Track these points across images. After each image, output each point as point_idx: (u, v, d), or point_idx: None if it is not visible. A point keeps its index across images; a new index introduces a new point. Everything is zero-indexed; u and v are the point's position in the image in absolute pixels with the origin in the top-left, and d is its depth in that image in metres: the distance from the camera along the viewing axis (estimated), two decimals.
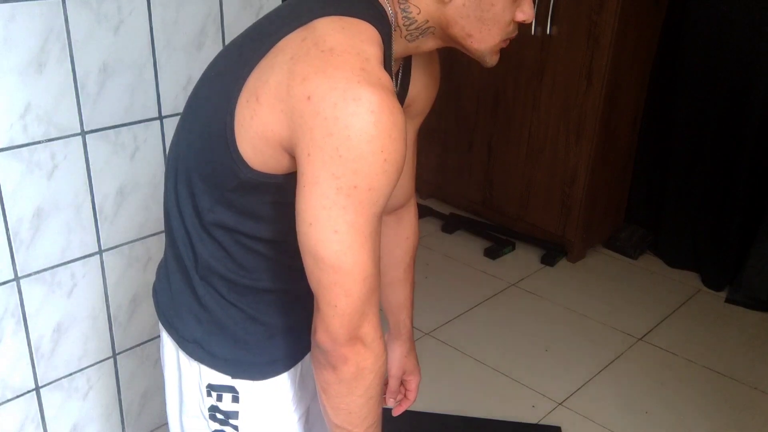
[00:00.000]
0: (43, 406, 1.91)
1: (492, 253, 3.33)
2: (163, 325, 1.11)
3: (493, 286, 3.11)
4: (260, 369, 1.07)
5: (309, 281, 0.88)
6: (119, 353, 2.03)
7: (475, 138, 3.52)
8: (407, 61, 1.09)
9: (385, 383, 1.34)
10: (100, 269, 1.91)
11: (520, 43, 3.19)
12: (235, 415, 1.06)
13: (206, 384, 1.06)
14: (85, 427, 2.03)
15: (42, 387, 1.89)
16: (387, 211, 0.96)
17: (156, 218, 1.99)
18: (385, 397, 1.34)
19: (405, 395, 1.38)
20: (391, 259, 1.28)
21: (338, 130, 0.78)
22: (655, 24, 3.13)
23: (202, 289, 1.03)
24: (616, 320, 2.87)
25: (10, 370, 1.81)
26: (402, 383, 1.38)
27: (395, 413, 1.37)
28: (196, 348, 1.05)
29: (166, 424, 2.30)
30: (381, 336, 0.90)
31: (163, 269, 1.13)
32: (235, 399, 1.06)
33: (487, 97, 3.40)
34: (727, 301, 3.03)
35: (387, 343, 1.10)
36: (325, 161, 0.79)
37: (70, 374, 1.94)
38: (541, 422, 2.33)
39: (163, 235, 2.07)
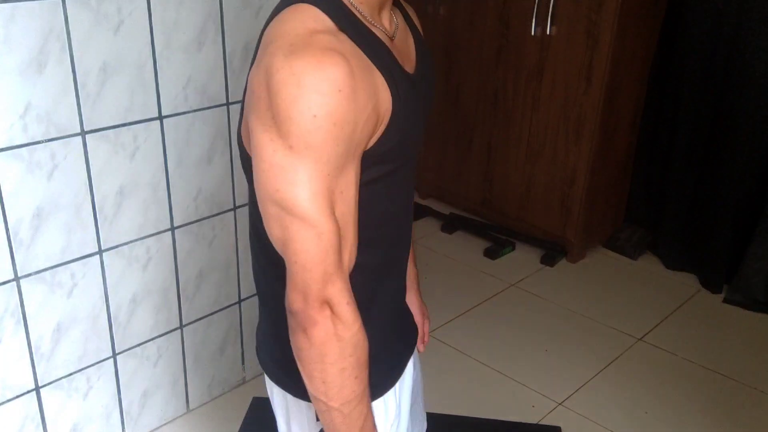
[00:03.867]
0: (43, 406, 1.91)
1: (492, 254, 3.33)
2: (271, 378, 1.14)
3: (493, 286, 3.11)
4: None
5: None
6: (119, 353, 2.04)
7: (474, 138, 3.52)
8: (407, 17, 1.10)
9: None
10: (100, 269, 1.91)
11: (519, 43, 3.21)
12: None
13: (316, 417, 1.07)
14: (85, 427, 2.03)
15: (42, 387, 1.89)
16: None
17: (156, 218, 1.99)
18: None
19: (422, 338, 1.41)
20: None
21: (271, 100, 0.84)
22: (654, 24, 3.14)
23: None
24: (616, 320, 2.87)
25: (10, 370, 1.81)
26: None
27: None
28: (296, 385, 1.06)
29: (166, 424, 2.32)
30: (351, 305, 0.91)
31: (258, 322, 1.17)
32: None
33: (486, 97, 3.41)
34: (725, 301, 3.03)
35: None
36: (266, 129, 0.85)
37: (70, 374, 1.94)
38: (541, 422, 2.33)
39: (163, 234, 2.09)
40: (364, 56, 0.89)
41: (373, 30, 0.94)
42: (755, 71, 2.88)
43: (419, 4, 3.48)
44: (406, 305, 1.25)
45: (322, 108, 0.82)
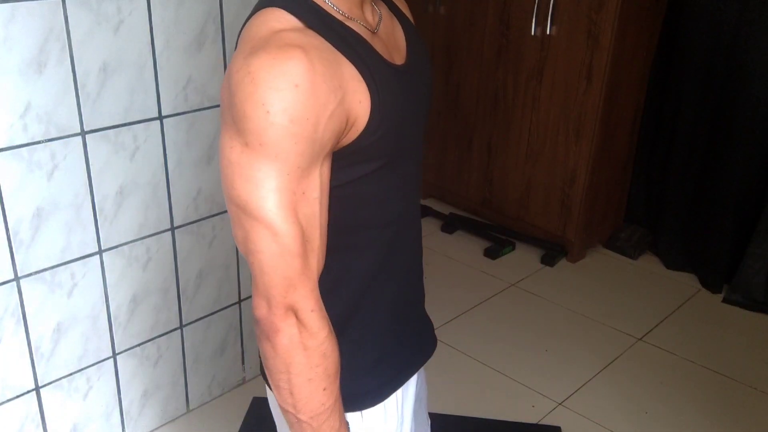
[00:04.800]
0: (43, 406, 1.91)
1: (492, 253, 3.33)
2: (268, 385, 1.10)
3: (493, 286, 3.11)
4: (369, 397, 1.06)
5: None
6: (119, 353, 2.04)
7: (474, 138, 3.52)
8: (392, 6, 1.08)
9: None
10: (100, 269, 1.91)
11: (520, 43, 3.20)
12: None
13: None
14: (85, 427, 2.03)
15: (42, 387, 1.89)
16: None
17: (156, 218, 1.99)
18: None
19: None
20: None
21: (231, 101, 0.84)
22: (654, 23, 3.14)
23: None
24: (616, 320, 2.87)
25: (10, 370, 1.81)
26: None
27: None
28: None
29: (166, 424, 2.31)
30: (316, 312, 0.88)
31: None
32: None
33: (486, 97, 3.41)
34: (725, 301, 3.03)
35: None
36: (227, 129, 0.85)
37: (70, 374, 1.94)
38: (541, 422, 2.33)
39: (163, 234, 2.09)
40: (335, 50, 0.87)
41: (350, 25, 0.92)
42: (755, 71, 2.88)
43: (419, 4, 3.48)
44: (420, 313, 1.21)
45: (277, 104, 0.80)
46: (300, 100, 0.81)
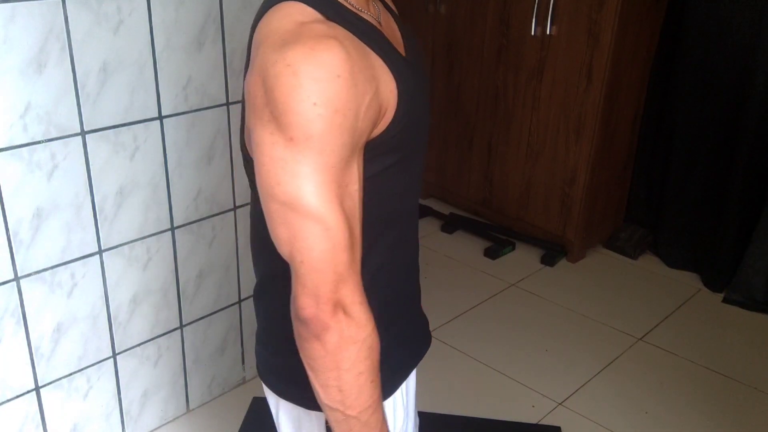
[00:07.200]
0: (43, 406, 1.91)
1: (492, 253, 3.33)
2: (279, 395, 1.09)
3: (493, 286, 3.11)
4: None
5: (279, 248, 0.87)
6: (119, 353, 2.04)
7: (475, 138, 3.52)
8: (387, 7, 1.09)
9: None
10: (100, 269, 1.91)
11: (520, 43, 3.20)
12: None
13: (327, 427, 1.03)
14: (85, 427, 2.03)
15: (42, 387, 1.89)
16: None
17: (156, 218, 1.99)
18: None
19: None
20: None
21: (268, 96, 0.81)
22: (655, 23, 3.13)
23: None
24: (616, 320, 2.87)
25: (10, 370, 1.81)
26: None
27: None
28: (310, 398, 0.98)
29: (166, 424, 2.31)
30: (364, 305, 0.87)
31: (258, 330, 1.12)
32: None
33: (486, 97, 3.41)
34: (725, 301, 3.03)
35: None
36: (264, 125, 0.82)
37: (70, 374, 1.94)
38: (541, 422, 2.33)
39: (163, 234, 2.09)
40: (359, 41, 0.86)
41: (363, 16, 0.92)
42: (756, 70, 2.88)
43: (420, 3, 3.48)
44: (419, 312, 1.20)
45: (322, 95, 0.79)
46: (343, 91, 0.80)
